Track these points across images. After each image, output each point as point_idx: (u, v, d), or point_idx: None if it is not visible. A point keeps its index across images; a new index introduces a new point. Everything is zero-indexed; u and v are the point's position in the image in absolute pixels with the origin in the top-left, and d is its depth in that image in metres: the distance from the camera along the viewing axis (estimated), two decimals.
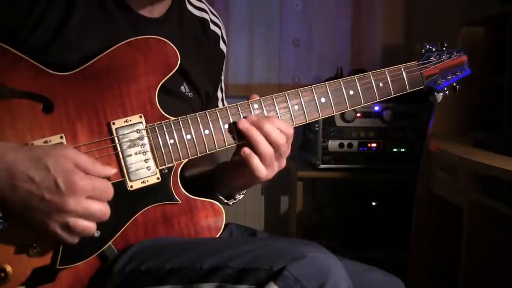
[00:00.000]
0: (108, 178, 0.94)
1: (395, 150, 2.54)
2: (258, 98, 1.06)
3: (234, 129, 1.03)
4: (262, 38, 2.93)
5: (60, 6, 1.02)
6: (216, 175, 1.16)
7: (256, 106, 1.05)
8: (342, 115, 2.48)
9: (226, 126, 1.03)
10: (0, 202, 0.87)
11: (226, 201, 1.15)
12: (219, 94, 1.29)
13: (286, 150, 1.04)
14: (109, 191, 0.91)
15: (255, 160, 1.01)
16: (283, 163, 1.06)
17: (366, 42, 2.94)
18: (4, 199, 0.87)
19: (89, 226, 0.90)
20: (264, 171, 1.02)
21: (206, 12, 1.25)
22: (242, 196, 1.20)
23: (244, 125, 1.02)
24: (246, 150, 1.02)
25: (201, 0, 1.27)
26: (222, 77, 1.30)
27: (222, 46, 1.28)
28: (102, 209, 0.90)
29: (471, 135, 2.04)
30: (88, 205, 0.88)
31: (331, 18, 2.94)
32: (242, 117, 1.03)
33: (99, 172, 0.91)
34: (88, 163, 0.90)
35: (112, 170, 0.94)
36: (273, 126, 1.01)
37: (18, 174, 0.86)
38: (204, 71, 1.20)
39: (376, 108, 2.50)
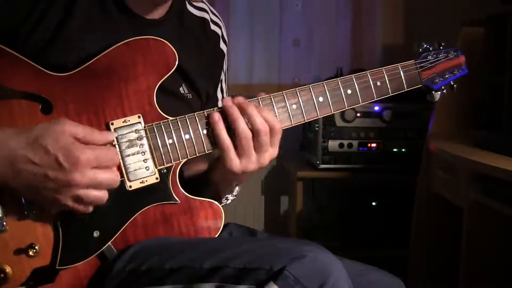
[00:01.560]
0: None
1: (395, 150, 2.54)
2: (267, 95, 1.05)
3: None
4: (262, 38, 2.93)
5: (60, 6, 1.02)
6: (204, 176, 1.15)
7: None
8: (342, 115, 2.48)
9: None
10: (7, 188, 0.88)
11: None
12: (218, 94, 1.28)
13: (267, 143, 1.00)
14: (114, 157, 0.93)
15: (224, 134, 0.99)
16: (264, 160, 1.02)
17: (366, 42, 2.94)
18: (10, 185, 0.88)
19: (100, 195, 0.91)
20: (234, 154, 0.99)
21: (206, 12, 1.25)
22: (229, 201, 1.19)
23: (227, 103, 1.01)
24: (215, 115, 1.00)
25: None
26: (223, 77, 1.29)
27: (223, 46, 1.27)
28: (110, 176, 0.91)
29: (471, 135, 2.04)
30: (94, 175, 0.89)
31: (331, 18, 2.94)
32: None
33: (98, 140, 0.92)
34: (86, 133, 0.91)
35: (111, 135, 0.96)
36: (257, 111, 0.99)
37: (19, 158, 0.87)
38: (204, 72, 1.20)
39: (376, 108, 2.50)
